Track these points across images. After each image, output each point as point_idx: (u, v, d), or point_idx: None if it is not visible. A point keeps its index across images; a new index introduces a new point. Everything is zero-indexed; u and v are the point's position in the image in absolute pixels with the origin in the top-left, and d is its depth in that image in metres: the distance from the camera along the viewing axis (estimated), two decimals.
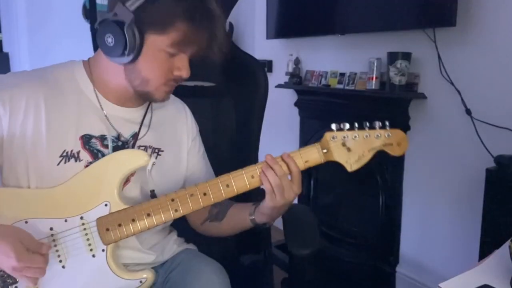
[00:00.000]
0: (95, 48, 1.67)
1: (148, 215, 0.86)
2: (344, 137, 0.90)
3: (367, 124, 0.90)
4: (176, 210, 0.88)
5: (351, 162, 0.90)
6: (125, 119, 0.94)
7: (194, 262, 0.99)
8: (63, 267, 0.84)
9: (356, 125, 0.90)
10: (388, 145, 0.91)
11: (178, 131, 1.03)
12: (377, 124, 0.90)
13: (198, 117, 1.11)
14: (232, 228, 1.02)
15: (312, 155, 0.90)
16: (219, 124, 1.31)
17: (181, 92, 1.17)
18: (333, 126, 0.90)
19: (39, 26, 2.37)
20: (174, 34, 0.83)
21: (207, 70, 1.31)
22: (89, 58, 0.95)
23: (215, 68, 1.32)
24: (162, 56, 0.85)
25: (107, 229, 0.85)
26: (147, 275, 0.88)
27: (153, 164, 0.90)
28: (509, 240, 0.93)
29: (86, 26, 2.01)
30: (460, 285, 0.90)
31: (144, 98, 0.93)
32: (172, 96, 1.07)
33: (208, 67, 1.32)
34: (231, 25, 2.88)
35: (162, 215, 0.87)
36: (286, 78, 2.62)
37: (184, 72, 0.89)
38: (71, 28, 2.09)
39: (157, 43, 0.83)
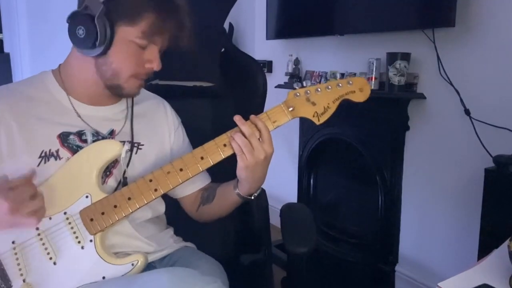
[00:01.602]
0: None
1: (129, 199, 0.87)
2: (307, 92, 0.92)
3: (328, 79, 0.93)
4: (155, 190, 0.89)
5: (318, 115, 0.93)
6: (101, 117, 0.96)
7: (192, 259, 1.00)
8: (55, 263, 0.85)
9: (318, 81, 0.92)
10: (351, 93, 0.93)
11: (157, 126, 1.04)
12: (338, 75, 0.93)
13: (198, 117, 1.12)
14: (223, 207, 1.03)
15: (279, 115, 0.92)
16: (219, 124, 1.31)
17: (181, 92, 1.18)
18: (295, 85, 0.93)
19: (40, 26, 2.37)
20: (143, 24, 0.85)
21: (206, 71, 1.32)
22: (59, 65, 0.97)
23: (214, 69, 1.33)
24: (132, 47, 0.87)
25: (91, 219, 0.86)
26: (139, 258, 0.88)
27: (127, 151, 0.91)
28: (508, 240, 0.93)
29: None
30: (459, 284, 0.90)
31: (114, 93, 0.94)
32: (149, 93, 1.09)
33: (207, 68, 1.32)
34: (231, 25, 2.88)
35: (142, 197, 0.88)
36: (285, 79, 2.63)
37: (155, 65, 0.90)
38: None
39: (127, 34, 0.86)
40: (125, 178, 0.92)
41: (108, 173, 0.93)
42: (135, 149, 0.97)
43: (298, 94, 0.92)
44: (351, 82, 0.93)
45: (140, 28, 0.85)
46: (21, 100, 0.90)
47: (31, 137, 0.87)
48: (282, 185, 2.72)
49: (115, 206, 0.87)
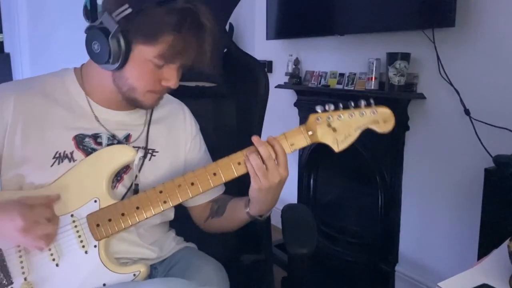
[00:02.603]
0: None
1: (137, 208, 0.87)
2: (329, 117, 0.89)
3: (352, 103, 0.89)
4: (164, 202, 0.87)
5: (338, 142, 0.89)
6: (118, 121, 0.95)
7: (193, 259, 0.99)
8: (57, 265, 0.85)
9: (341, 105, 0.89)
10: (374, 123, 0.90)
11: (174, 133, 1.03)
12: (363, 102, 0.89)
13: (200, 117, 1.12)
14: (231, 222, 1.02)
15: (298, 138, 0.89)
16: (221, 124, 1.31)
17: (183, 92, 1.18)
18: (318, 108, 0.90)
19: (40, 26, 2.37)
20: (161, 46, 0.82)
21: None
22: (82, 65, 0.96)
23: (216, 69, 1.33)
24: (149, 66, 0.85)
25: (98, 225, 0.86)
26: (140, 269, 0.88)
27: (140, 158, 0.90)
28: (508, 240, 0.94)
29: None
30: (459, 284, 0.91)
31: (132, 104, 0.93)
32: (170, 97, 1.07)
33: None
34: (231, 25, 2.89)
35: (151, 208, 0.87)
36: (285, 79, 2.63)
37: (172, 83, 0.88)
38: (72, 28, 2.10)
39: (144, 53, 0.83)
40: (136, 185, 0.91)
41: (119, 178, 0.92)
42: (148, 155, 0.96)
43: (319, 118, 0.89)
44: (375, 112, 0.90)
45: (158, 49, 0.82)
46: (40, 98, 0.89)
47: (46, 138, 0.87)
48: None
49: (123, 214, 0.86)
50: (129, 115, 0.97)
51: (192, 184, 0.88)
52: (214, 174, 0.88)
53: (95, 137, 0.90)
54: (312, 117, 0.90)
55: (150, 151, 0.96)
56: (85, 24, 0.88)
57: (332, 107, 0.89)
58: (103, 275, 0.86)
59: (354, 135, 0.90)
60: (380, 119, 0.90)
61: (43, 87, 0.91)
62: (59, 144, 0.87)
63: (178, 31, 0.82)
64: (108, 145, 0.91)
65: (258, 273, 1.21)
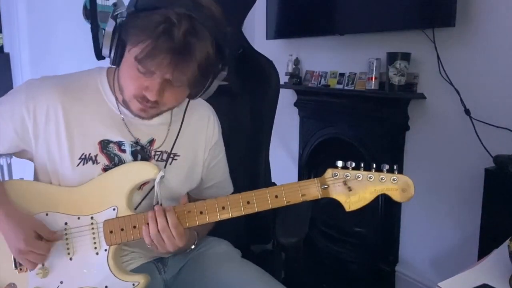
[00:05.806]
0: (95, 49, 1.67)
1: (148, 224, 0.91)
2: (346, 175, 0.89)
3: (374, 165, 0.89)
4: None
5: (350, 202, 0.90)
6: (143, 125, 0.97)
7: (204, 242, 1.08)
8: (71, 259, 0.92)
9: (362, 165, 0.89)
10: (392, 190, 0.89)
11: (196, 138, 1.04)
12: (385, 166, 0.88)
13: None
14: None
15: (310, 190, 0.91)
16: (235, 122, 1.33)
17: None
18: (339, 163, 0.90)
19: (40, 26, 2.37)
20: (139, 48, 0.81)
21: None
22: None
23: (229, 68, 1.35)
24: (134, 70, 0.84)
25: (111, 232, 0.91)
26: (140, 280, 0.93)
27: (162, 177, 0.93)
28: (508, 239, 0.94)
29: (87, 26, 2.02)
30: (459, 284, 0.91)
31: (127, 109, 0.93)
32: (202, 101, 1.05)
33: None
34: None
35: None
36: (285, 79, 2.63)
37: (150, 94, 0.85)
38: (71, 29, 2.10)
39: (131, 55, 0.83)
40: (157, 203, 0.95)
41: (137, 188, 0.96)
42: (170, 159, 0.99)
43: (336, 174, 0.90)
44: (395, 179, 0.88)
45: (136, 51, 0.81)
46: (73, 99, 0.93)
47: (75, 140, 0.92)
48: None
49: (134, 227, 0.91)
50: (154, 120, 0.96)
51: (201, 212, 0.91)
52: (223, 208, 0.91)
53: (120, 144, 0.95)
54: (329, 171, 0.91)
55: (172, 156, 0.99)
56: (85, 24, 0.88)
57: (352, 164, 0.89)
58: (107, 278, 0.92)
59: (368, 199, 0.90)
60: (399, 187, 0.89)
61: (78, 88, 0.95)
62: (86, 147, 0.93)
63: (155, 38, 0.79)
64: (131, 151, 0.95)
65: (267, 263, 1.23)
